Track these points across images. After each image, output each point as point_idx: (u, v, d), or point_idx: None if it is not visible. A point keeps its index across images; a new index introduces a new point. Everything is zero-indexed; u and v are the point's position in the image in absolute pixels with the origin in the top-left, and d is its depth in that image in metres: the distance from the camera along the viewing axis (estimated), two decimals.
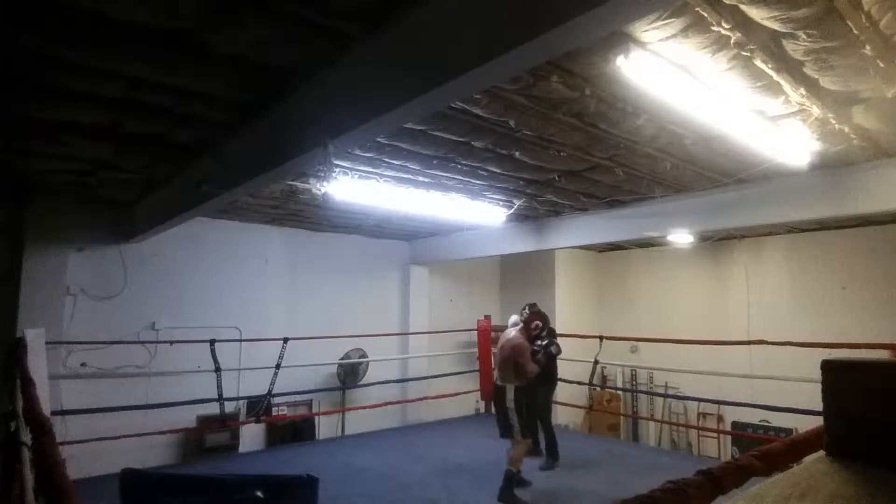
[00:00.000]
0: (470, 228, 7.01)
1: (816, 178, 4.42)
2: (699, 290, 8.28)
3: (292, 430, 6.71)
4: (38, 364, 3.31)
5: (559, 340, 5.17)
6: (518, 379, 4.40)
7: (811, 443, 1.06)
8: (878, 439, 0.90)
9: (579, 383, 6.95)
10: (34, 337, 3.55)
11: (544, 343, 4.74)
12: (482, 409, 7.96)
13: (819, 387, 0.98)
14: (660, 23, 2.26)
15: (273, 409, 6.55)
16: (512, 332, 4.57)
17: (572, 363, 6.56)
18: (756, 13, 2.20)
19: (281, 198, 5.44)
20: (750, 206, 4.89)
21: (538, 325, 4.56)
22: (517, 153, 4.06)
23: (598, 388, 8.26)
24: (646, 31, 2.34)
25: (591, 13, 1.54)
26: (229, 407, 5.87)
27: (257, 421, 6.06)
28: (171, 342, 5.70)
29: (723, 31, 2.31)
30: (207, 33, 2.34)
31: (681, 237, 6.66)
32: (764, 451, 0.96)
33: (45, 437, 1.43)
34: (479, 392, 7.55)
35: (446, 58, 2.00)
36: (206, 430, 5.97)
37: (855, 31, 2.28)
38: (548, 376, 5.15)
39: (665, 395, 7.88)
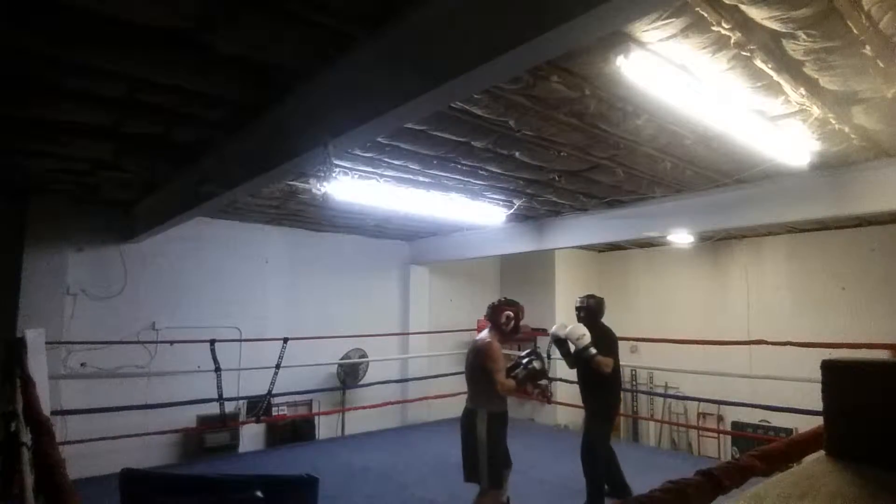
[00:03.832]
0: (470, 228, 7.01)
1: (816, 178, 4.41)
2: (699, 290, 8.28)
3: (292, 430, 6.71)
4: (38, 364, 3.32)
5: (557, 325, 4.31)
6: (487, 397, 3.36)
7: (811, 443, 1.06)
8: (878, 439, 0.90)
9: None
10: (34, 337, 3.55)
11: (525, 360, 3.70)
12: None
13: (819, 387, 0.98)
14: (660, 23, 2.26)
15: (273, 409, 6.55)
16: (481, 334, 3.65)
17: (567, 364, 6.56)
18: (756, 13, 2.20)
19: (281, 198, 5.44)
20: (750, 206, 4.89)
21: (509, 317, 3.53)
22: (517, 153, 4.06)
23: None
24: (646, 31, 2.34)
25: (591, 13, 1.54)
26: (229, 407, 5.87)
27: (257, 421, 6.06)
28: (171, 342, 5.70)
29: (723, 31, 2.31)
30: (207, 33, 2.34)
31: (681, 237, 6.66)
32: (764, 451, 0.96)
33: (45, 437, 1.43)
34: None
35: (446, 58, 2.00)
36: (206, 430, 5.97)
37: (855, 31, 2.28)
38: (601, 388, 4.07)
39: (665, 395, 7.88)
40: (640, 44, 2.45)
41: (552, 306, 8.75)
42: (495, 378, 3.33)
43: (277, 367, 5.85)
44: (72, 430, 4.89)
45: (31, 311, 4.95)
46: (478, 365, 3.42)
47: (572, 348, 4.02)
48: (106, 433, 5.01)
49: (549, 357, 7.00)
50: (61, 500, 0.99)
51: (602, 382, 4.04)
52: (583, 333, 3.94)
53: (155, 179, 4.69)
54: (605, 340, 4.05)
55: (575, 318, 4.30)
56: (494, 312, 3.59)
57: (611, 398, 4.15)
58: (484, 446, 3.29)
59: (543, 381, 3.82)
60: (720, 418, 7.53)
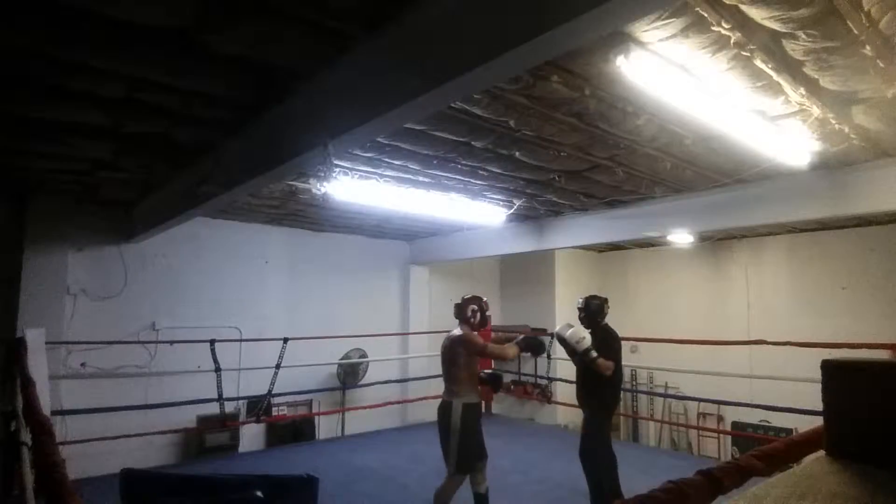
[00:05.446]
0: (470, 228, 7.01)
1: (816, 178, 4.41)
2: (699, 290, 8.28)
3: (292, 430, 6.71)
4: (38, 364, 3.31)
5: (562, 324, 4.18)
6: (460, 389, 3.54)
7: (811, 443, 1.06)
8: (878, 439, 0.89)
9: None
10: (34, 337, 3.55)
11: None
12: (482, 409, 7.96)
13: (819, 387, 0.98)
14: (660, 23, 2.26)
15: (273, 409, 6.55)
16: (454, 330, 3.79)
17: (572, 363, 6.57)
18: (756, 13, 2.20)
19: (281, 198, 5.44)
20: (750, 206, 4.89)
21: (474, 310, 3.75)
22: (517, 153, 4.06)
23: None
24: (646, 31, 2.34)
25: (591, 13, 1.54)
26: (229, 407, 5.87)
27: (257, 421, 6.06)
28: (171, 342, 5.70)
29: (723, 31, 2.31)
30: (207, 33, 2.34)
31: (681, 237, 6.66)
32: (764, 451, 0.95)
33: (45, 437, 1.43)
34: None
35: (446, 58, 2.00)
36: (206, 430, 5.97)
37: (855, 31, 2.28)
38: (600, 388, 3.96)
39: (665, 395, 7.88)
40: (640, 44, 2.45)
41: (552, 306, 8.75)
42: (490, 351, 3.65)
43: (277, 367, 5.85)
44: (72, 430, 4.89)
45: (31, 311, 4.95)
46: (455, 355, 3.59)
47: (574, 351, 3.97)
48: (106, 433, 5.01)
49: (549, 357, 7.01)
50: (61, 500, 0.99)
51: (600, 383, 3.96)
52: (582, 337, 3.90)
53: (155, 179, 4.69)
54: (607, 342, 3.97)
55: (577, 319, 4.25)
56: (460, 309, 3.79)
57: (608, 399, 4.07)
58: (457, 435, 3.48)
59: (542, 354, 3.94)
60: (720, 418, 7.53)
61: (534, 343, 3.92)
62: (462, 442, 3.47)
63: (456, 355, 3.58)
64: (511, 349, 3.75)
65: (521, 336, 3.86)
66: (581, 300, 4.22)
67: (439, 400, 3.64)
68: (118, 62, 2.61)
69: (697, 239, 7.52)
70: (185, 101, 3.03)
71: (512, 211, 5.88)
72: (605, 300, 4.22)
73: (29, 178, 4.79)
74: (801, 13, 2.15)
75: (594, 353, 3.85)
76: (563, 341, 4.03)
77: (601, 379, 3.93)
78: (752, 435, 6.73)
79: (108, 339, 5.50)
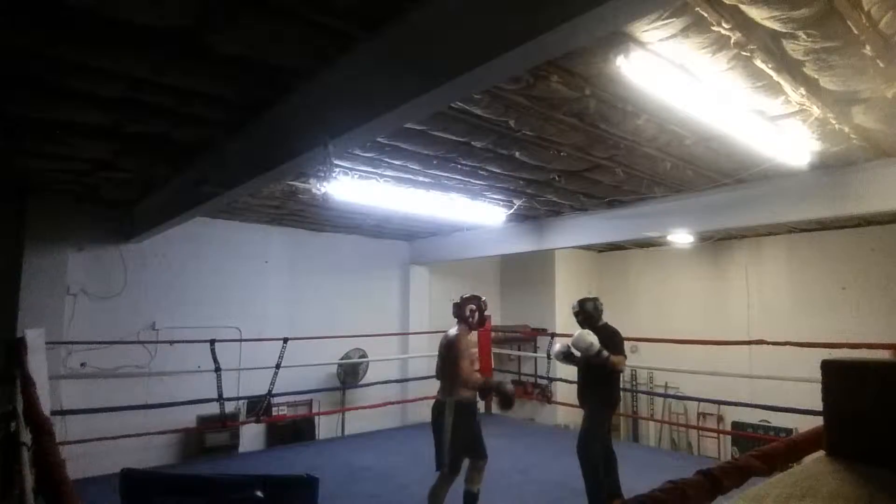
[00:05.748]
0: (470, 228, 7.01)
1: (816, 178, 4.41)
2: (699, 290, 8.28)
3: (292, 430, 6.71)
4: (38, 364, 3.31)
5: (558, 343, 4.40)
6: (455, 387, 3.54)
7: (811, 443, 1.06)
8: (878, 439, 0.89)
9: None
10: (34, 337, 3.55)
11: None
12: (482, 409, 7.96)
13: (819, 387, 0.98)
14: (660, 23, 2.26)
15: (273, 409, 6.55)
16: (451, 329, 3.79)
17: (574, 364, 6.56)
18: (756, 13, 2.20)
19: (281, 198, 5.44)
20: (750, 206, 4.89)
21: (472, 310, 3.76)
22: (517, 153, 4.06)
23: None
24: (646, 31, 2.34)
25: (591, 13, 1.54)
26: (229, 407, 5.87)
27: (257, 421, 6.06)
28: (171, 342, 5.70)
29: (723, 31, 2.31)
30: (207, 33, 2.34)
31: (681, 237, 6.66)
32: (764, 451, 0.96)
33: (45, 437, 1.43)
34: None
35: (446, 58, 2.01)
36: (206, 430, 5.97)
37: (855, 31, 2.28)
38: (602, 387, 4.02)
39: (665, 395, 7.88)
40: (640, 44, 2.45)
41: (552, 306, 8.75)
42: (459, 364, 3.50)
43: (277, 366, 5.85)
44: (72, 430, 4.89)
45: (31, 311, 4.95)
46: (449, 354, 3.61)
47: (578, 354, 3.97)
48: (106, 433, 5.01)
49: (549, 357, 7.01)
50: (61, 500, 0.99)
51: (606, 381, 4.01)
52: (591, 342, 3.88)
53: (155, 179, 4.69)
54: (613, 339, 4.01)
55: (574, 323, 4.28)
56: (459, 308, 3.80)
57: (611, 396, 4.12)
58: (449, 433, 3.48)
59: (508, 391, 3.76)
60: (720, 418, 7.53)
61: (501, 394, 3.70)
62: (454, 440, 3.48)
63: (451, 355, 3.62)
64: (476, 381, 3.59)
65: (499, 382, 3.77)
66: (575, 304, 4.28)
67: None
68: (118, 62, 2.61)
69: (697, 239, 7.52)
70: (185, 101, 3.03)
71: (512, 211, 5.88)
72: (597, 299, 4.28)
73: (29, 178, 4.79)
74: (801, 13, 2.15)
75: (605, 353, 3.88)
76: (570, 356, 4.05)
77: (608, 376, 3.99)
78: (752, 435, 6.72)
79: (108, 339, 5.50)
